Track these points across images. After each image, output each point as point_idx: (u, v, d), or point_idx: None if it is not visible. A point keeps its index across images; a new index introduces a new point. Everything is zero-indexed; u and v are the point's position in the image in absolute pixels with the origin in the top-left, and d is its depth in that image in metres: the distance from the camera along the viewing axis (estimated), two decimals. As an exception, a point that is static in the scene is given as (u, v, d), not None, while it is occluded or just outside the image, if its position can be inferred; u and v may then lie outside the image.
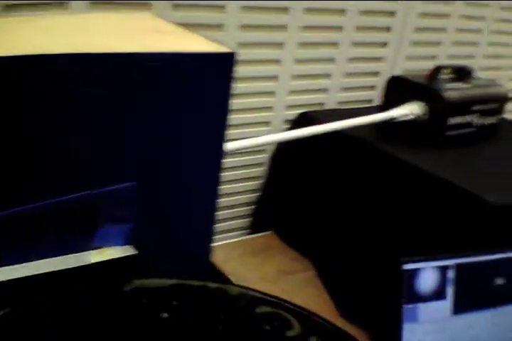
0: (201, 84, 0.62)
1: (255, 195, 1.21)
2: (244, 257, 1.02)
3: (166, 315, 0.58)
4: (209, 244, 0.72)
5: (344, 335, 0.60)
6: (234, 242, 1.09)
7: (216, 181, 0.67)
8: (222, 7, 0.99)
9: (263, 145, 1.10)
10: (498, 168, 0.97)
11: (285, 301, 0.64)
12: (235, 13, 1.00)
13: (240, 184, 1.17)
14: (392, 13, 1.21)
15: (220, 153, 0.67)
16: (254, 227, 1.20)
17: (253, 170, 1.18)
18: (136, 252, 0.64)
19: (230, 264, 0.96)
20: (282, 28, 1.07)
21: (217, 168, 0.67)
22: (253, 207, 1.21)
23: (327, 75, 1.18)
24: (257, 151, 1.15)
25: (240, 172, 1.15)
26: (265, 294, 0.64)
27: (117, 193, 0.61)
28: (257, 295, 0.64)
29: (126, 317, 0.58)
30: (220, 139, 0.66)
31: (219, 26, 1.00)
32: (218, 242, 0.73)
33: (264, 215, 1.19)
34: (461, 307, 0.80)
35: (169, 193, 0.65)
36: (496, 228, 0.82)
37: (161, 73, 0.58)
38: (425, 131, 1.02)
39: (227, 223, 1.20)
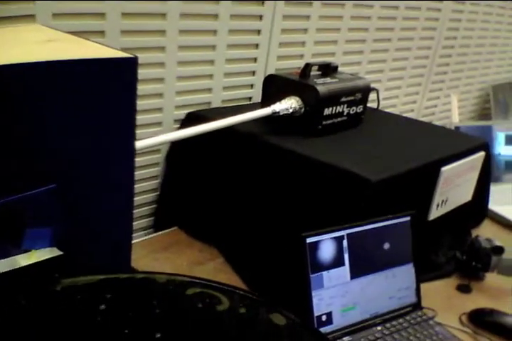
0: (109, 87, 0.65)
1: (155, 194, 1.24)
2: (154, 254, 1.05)
3: (103, 306, 0.61)
4: (130, 238, 0.75)
5: (267, 303, 0.67)
6: (142, 241, 1.12)
7: (131, 176, 0.71)
8: (102, 14, 1.01)
9: (168, 142, 1.13)
10: (368, 149, 1.10)
11: (211, 281, 0.69)
12: (116, 19, 1.03)
13: (138, 185, 1.19)
14: (260, 17, 1.30)
15: (132, 151, 0.71)
16: (156, 226, 1.23)
17: (150, 170, 1.21)
18: (61, 253, 0.65)
19: (141, 261, 0.98)
20: (161, 32, 1.12)
21: (131, 163, 0.71)
22: (154, 206, 1.24)
23: (209, 76, 1.24)
24: (152, 152, 1.18)
25: (137, 173, 1.18)
26: (192, 277, 0.69)
27: (38, 197, 0.63)
28: (184, 279, 0.68)
29: (65, 314, 0.59)
30: (131, 138, 0.70)
31: (101, 32, 1.02)
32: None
33: (166, 213, 1.23)
34: (357, 271, 0.91)
35: (88, 192, 0.68)
36: (377, 200, 0.95)
37: (69, 80, 0.61)
38: (304, 122, 1.12)
39: (130, 224, 1.22)
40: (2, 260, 0.60)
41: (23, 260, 0.61)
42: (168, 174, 1.22)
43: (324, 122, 1.14)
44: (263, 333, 0.63)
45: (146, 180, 1.21)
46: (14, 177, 0.60)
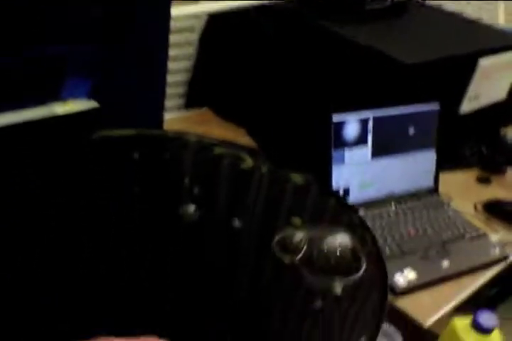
0: None
1: (186, 74, 1.25)
2: (185, 129, 1.09)
3: (136, 155, 0.66)
4: (162, 101, 0.79)
5: (288, 164, 0.71)
6: (173, 118, 1.16)
7: (166, 40, 0.73)
8: None
9: (204, 13, 1.14)
10: (410, 36, 1.09)
11: (237, 144, 0.73)
12: None
13: (171, 63, 1.19)
14: None
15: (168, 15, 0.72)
16: (187, 106, 1.26)
17: (183, 50, 1.20)
18: (98, 105, 0.69)
19: (172, 132, 1.03)
20: None
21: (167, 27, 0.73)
22: (185, 86, 1.26)
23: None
24: (186, 30, 1.17)
25: (171, 52, 1.17)
26: (220, 140, 0.73)
27: (78, 50, 0.65)
28: (212, 141, 0.72)
29: (99, 162, 0.64)
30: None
31: None
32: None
33: (197, 93, 1.25)
34: (378, 152, 0.94)
35: (124, 51, 0.70)
36: (409, 84, 0.95)
37: None
38: (347, 3, 1.10)
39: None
40: (39, 107, 0.63)
41: (60, 108, 0.64)
42: (201, 55, 1.22)
43: (368, 6, 1.11)
44: (283, 190, 0.68)
45: (179, 60, 1.21)
46: (60, 28, 0.63)
